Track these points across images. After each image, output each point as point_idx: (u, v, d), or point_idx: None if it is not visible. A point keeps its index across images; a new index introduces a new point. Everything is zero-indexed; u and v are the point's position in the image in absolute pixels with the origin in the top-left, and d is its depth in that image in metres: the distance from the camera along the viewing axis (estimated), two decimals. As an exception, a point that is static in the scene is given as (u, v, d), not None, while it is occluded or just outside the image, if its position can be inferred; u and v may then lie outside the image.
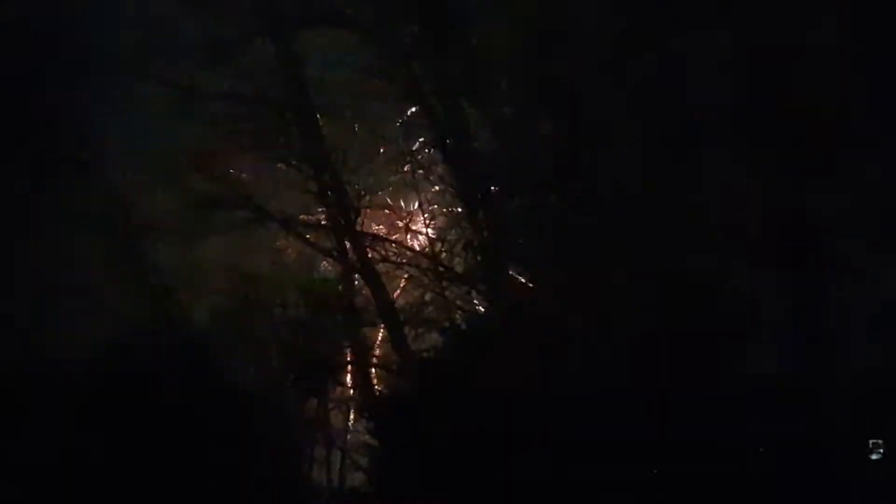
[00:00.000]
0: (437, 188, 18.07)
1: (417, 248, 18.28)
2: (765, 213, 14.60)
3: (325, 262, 18.69)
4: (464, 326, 17.16)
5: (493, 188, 17.07)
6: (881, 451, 13.87)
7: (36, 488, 15.01)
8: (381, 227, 18.45)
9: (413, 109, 17.57)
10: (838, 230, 14.45)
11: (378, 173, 18.20)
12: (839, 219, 14.39)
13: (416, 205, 18.25)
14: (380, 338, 18.41)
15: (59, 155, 17.68)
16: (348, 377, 18.31)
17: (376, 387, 18.37)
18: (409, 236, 18.40)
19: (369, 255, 17.92)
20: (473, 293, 17.59)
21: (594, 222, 15.19)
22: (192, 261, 17.64)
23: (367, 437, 17.28)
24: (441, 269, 17.78)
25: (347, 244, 18.03)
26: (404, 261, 18.13)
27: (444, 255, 17.81)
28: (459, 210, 17.73)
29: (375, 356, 18.46)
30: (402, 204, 18.45)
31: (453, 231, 17.85)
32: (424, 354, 17.23)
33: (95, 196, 17.81)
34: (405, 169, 17.99)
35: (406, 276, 18.17)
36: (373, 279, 17.90)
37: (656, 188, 14.77)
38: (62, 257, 17.02)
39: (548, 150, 16.05)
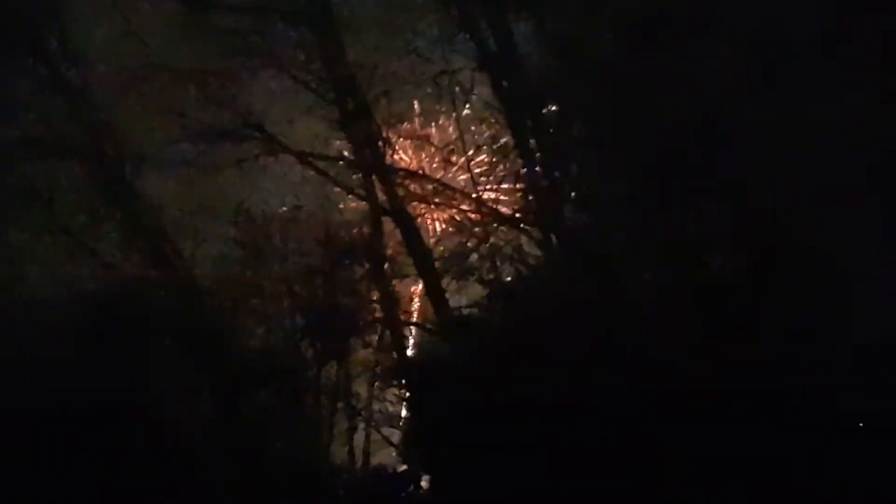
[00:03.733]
0: (481, 114, 16.99)
1: (458, 186, 17.26)
2: (877, 147, 13.12)
3: (348, 202, 17.63)
4: (513, 278, 16.46)
5: (547, 113, 16.16)
6: None
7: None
8: (414, 160, 17.41)
9: (453, 21, 16.47)
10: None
11: (412, 97, 17.05)
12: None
13: (457, 134, 17.19)
14: (413, 292, 17.64)
15: (41, 75, 16.76)
16: (375, 338, 17.37)
17: (409, 349, 17.65)
18: (447, 171, 17.31)
19: (401, 194, 16.95)
20: (524, 239, 16.62)
21: (671, 152, 13.85)
22: (194, 200, 16.82)
23: (397, 407, 16.96)
24: (485, 210, 16.90)
25: (375, 181, 16.97)
26: (442, 200, 17.10)
27: (489, 193, 16.96)
28: (508, 140, 16.71)
29: (408, 313, 17.66)
30: (440, 134, 17.40)
31: (501, 165, 16.92)
32: (466, 311, 16.56)
33: (82, 123, 16.87)
34: (443, 92, 16.82)
35: (445, 218, 17.28)
36: (405, 222, 16.92)
37: (747, 114, 13.51)
38: (41, 193, 16.39)
39: (615, 67, 14.57)
